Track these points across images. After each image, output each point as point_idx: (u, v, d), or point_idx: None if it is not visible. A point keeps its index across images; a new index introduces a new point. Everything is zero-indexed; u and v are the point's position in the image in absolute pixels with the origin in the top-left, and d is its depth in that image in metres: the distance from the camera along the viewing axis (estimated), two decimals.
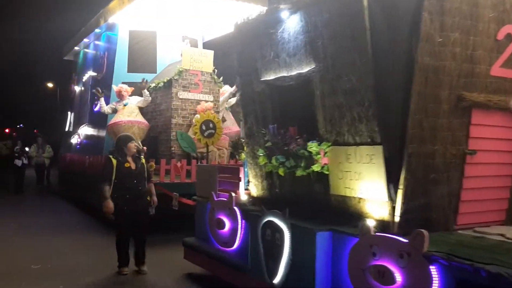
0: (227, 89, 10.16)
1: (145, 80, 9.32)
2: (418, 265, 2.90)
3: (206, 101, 9.45)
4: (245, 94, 4.90)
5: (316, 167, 4.02)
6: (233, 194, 5.11)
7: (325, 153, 3.94)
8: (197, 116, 6.39)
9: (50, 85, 49.86)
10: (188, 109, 9.48)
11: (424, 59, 3.28)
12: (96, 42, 13.03)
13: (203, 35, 11.90)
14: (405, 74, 3.31)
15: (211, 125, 6.24)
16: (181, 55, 10.45)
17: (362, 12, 3.39)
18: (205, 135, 6.23)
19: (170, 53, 11.09)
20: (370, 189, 3.60)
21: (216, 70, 9.76)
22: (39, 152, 17.49)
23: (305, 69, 4.06)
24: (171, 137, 9.25)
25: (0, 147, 21.76)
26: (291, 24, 4.22)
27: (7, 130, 39.92)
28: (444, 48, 3.38)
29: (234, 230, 5.08)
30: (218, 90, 9.82)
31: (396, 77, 3.39)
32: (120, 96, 9.62)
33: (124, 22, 11.01)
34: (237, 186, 5.41)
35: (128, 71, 10.80)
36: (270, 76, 4.46)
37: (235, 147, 8.08)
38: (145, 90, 9.36)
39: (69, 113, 15.28)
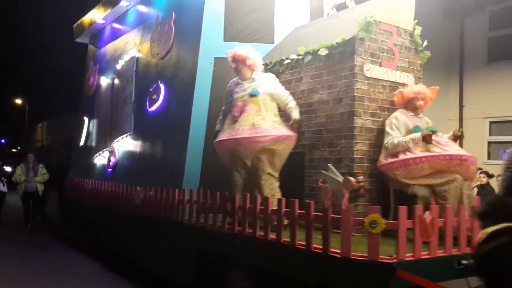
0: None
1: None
2: None
3: (404, 85, 5.00)
4: None
5: None
6: None
7: None
8: None
9: (18, 101, 44.01)
10: (379, 99, 4.95)
11: None
12: (140, 8, 8.30)
13: None
14: None
15: None
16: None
17: None
18: None
19: (292, 12, 6.55)
20: None
21: (418, 28, 5.25)
22: (30, 175, 12.39)
23: None
24: (354, 154, 4.70)
25: None
26: None
27: None
28: None
29: None
30: (420, 65, 5.33)
31: None
32: (241, 70, 5.12)
33: None
34: None
35: (226, 40, 6.17)
36: None
37: None
38: None
39: (85, 119, 10.31)
